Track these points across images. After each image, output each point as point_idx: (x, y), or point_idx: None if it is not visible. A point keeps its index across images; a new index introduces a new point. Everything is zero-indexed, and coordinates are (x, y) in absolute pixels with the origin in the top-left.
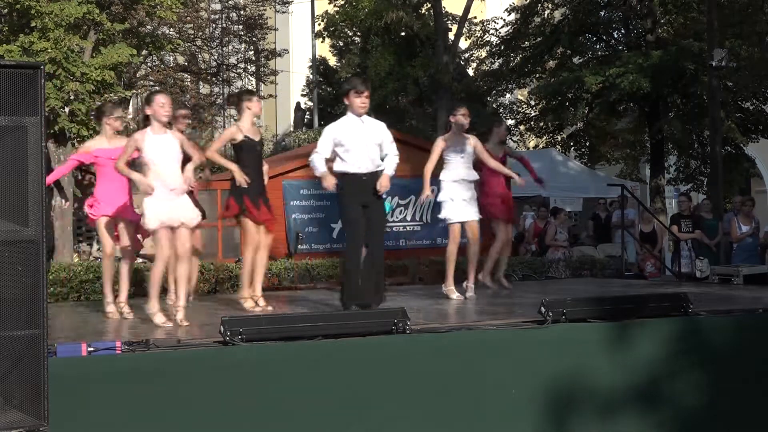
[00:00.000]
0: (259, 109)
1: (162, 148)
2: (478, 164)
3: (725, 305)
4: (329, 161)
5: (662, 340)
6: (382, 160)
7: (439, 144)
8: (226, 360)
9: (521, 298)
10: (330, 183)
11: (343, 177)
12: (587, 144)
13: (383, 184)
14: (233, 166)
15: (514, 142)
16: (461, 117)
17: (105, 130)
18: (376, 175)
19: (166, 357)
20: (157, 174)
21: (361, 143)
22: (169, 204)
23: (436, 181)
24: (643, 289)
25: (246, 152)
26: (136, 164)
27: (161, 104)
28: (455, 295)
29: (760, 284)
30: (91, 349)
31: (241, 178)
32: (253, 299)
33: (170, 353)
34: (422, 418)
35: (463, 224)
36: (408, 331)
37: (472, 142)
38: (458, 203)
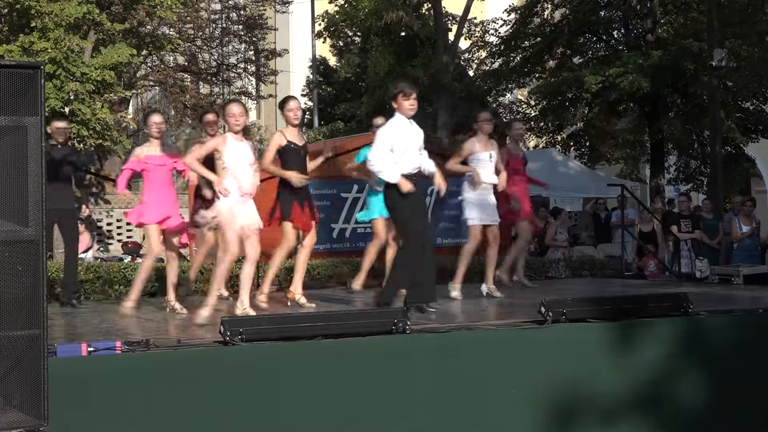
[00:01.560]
0: (291, 117)
1: (240, 154)
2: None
3: (725, 305)
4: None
5: (662, 340)
6: None
7: (469, 146)
8: (226, 360)
9: (521, 298)
10: (409, 185)
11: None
12: (587, 144)
13: (442, 185)
14: (288, 173)
15: None
16: (484, 124)
17: (152, 135)
18: (415, 177)
19: (166, 357)
20: (234, 178)
21: (412, 145)
22: (240, 207)
23: (456, 181)
24: (643, 289)
25: (287, 155)
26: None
27: (231, 114)
28: (456, 293)
29: (760, 284)
30: (91, 349)
31: (299, 180)
32: (290, 296)
33: (170, 353)
34: (422, 418)
35: (484, 227)
36: (408, 331)
37: (495, 147)
38: (481, 206)
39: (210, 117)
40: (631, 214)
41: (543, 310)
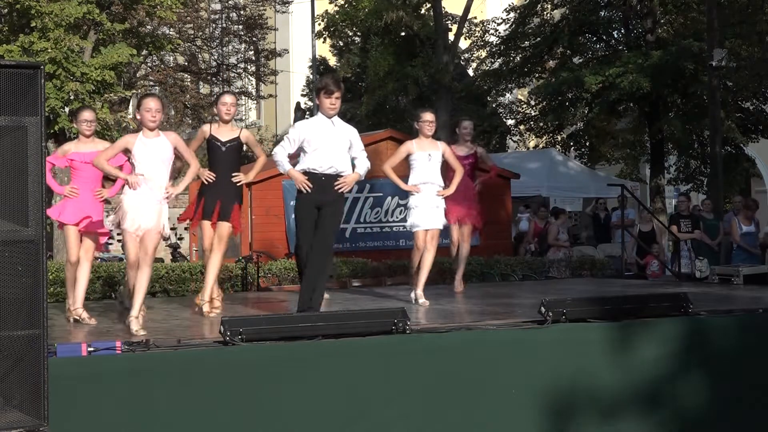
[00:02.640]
0: (222, 111)
1: (151, 151)
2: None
3: (725, 305)
4: (291, 159)
5: (662, 340)
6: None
7: (405, 147)
8: (226, 360)
9: (521, 298)
10: (301, 181)
11: (301, 175)
12: (587, 144)
13: (346, 181)
14: (200, 171)
15: (514, 142)
16: (424, 125)
17: (82, 133)
18: (336, 178)
19: (166, 357)
20: (143, 177)
21: (328, 144)
22: (147, 209)
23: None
24: (643, 289)
25: (210, 152)
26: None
27: (147, 109)
28: (422, 299)
29: (760, 284)
30: (91, 349)
31: (205, 176)
32: (200, 301)
33: (170, 353)
34: (422, 418)
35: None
36: (408, 331)
37: (440, 147)
38: (424, 210)
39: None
40: (631, 214)
41: (543, 310)
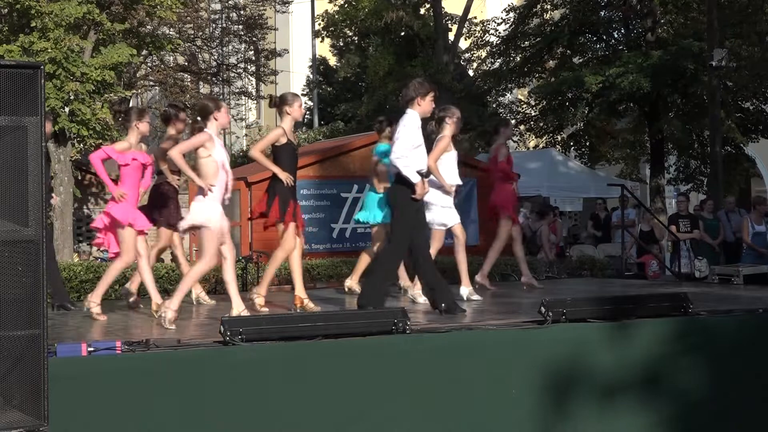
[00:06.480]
0: (299, 114)
1: (223, 153)
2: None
3: (725, 305)
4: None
5: (662, 340)
6: None
7: (445, 143)
8: (226, 360)
9: (521, 298)
10: (423, 191)
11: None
12: (587, 144)
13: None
14: (281, 173)
15: (514, 142)
16: (459, 122)
17: (145, 133)
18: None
19: (166, 357)
20: (219, 176)
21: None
22: (219, 208)
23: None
24: (643, 289)
25: (286, 154)
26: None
27: (227, 111)
28: (475, 295)
29: (760, 284)
30: (91, 349)
31: (287, 179)
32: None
33: (170, 353)
34: (422, 418)
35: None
36: (408, 331)
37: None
38: (445, 209)
39: (182, 115)
40: (631, 214)
41: (543, 310)
